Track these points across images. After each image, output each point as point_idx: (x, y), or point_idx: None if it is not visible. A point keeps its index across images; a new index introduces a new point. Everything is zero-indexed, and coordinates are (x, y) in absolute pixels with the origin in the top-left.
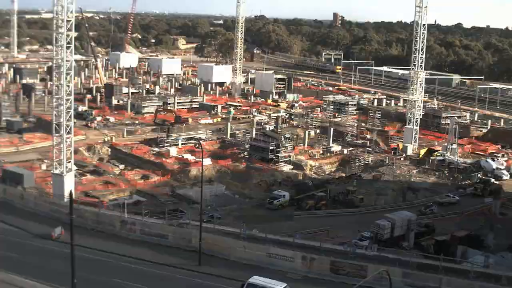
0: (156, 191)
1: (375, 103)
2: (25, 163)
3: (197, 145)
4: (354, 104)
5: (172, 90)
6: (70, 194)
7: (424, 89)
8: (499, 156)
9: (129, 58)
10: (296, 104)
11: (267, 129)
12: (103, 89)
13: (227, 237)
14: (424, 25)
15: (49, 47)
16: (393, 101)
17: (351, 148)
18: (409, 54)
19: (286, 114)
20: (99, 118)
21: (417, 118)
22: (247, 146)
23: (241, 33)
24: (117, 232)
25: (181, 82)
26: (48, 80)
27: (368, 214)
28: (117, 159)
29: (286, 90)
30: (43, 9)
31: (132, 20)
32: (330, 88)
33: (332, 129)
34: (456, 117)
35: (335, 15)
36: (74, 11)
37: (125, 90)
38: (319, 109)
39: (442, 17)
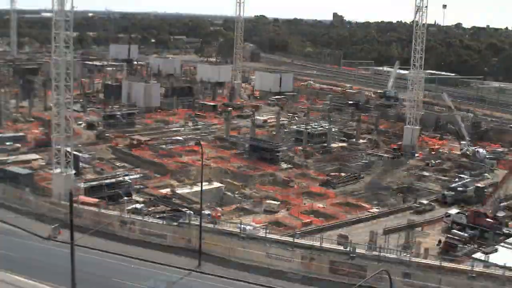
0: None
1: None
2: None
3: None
4: (354, 104)
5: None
6: (70, 194)
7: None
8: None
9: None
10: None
11: None
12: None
13: (226, 237)
14: (424, 25)
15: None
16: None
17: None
18: (409, 54)
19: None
20: None
21: (417, 118)
22: (246, 146)
23: (241, 33)
24: (117, 232)
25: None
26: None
27: None
28: (117, 159)
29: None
30: (43, 9)
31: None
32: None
33: (332, 128)
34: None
35: (335, 15)
36: (73, 11)
37: None
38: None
39: (442, 17)
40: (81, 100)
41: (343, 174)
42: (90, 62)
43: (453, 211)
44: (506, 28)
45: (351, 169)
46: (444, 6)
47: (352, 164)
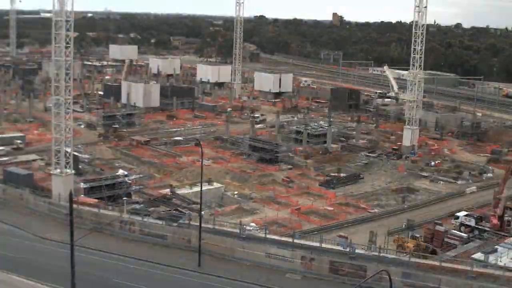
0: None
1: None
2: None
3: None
4: (354, 105)
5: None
6: (70, 194)
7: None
8: None
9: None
10: None
11: None
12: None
13: (226, 237)
14: (423, 25)
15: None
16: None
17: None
18: (409, 54)
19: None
20: None
21: (416, 118)
22: (246, 146)
23: (241, 34)
24: (117, 232)
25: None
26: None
27: None
28: (117, 159)
29: None
30: (43, 9)
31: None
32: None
33: (332, 129)
34: None
35: (334, 15)
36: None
37: None
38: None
39: (441, 17)
40: (80, 101)
41: (342, 174)
42: (89, 63)
43: (462, 213)
44: (506, 29)
45: (350, 170)
46: None
47: (351, 164)
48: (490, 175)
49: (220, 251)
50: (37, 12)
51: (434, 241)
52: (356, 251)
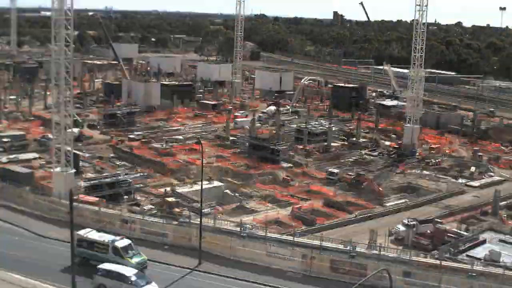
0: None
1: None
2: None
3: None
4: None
5: None
6: (70, 192)
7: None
8: None
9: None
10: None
11: None
12: None
13: (227, 235)
14: (424, 24)
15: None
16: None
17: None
18: (409, 53)
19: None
20: None
21: (416, 117)
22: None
23: (241, 32)
24: (118, 230)
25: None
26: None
27: None
28: (117, 158)
29: None
30: (42, 7)
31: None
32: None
33: (332, 128)
34: None
35: (335, 14)
36: (72, 9)
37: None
38: None
39: (442, 16)
40: (84, 100)
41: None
42: (90, 61)
43: None
44: (506, 27)
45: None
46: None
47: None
48: (491, 173)
49: (221, 249)
50: (37, 10)
51: (434, 240)
52: (357, 249)
